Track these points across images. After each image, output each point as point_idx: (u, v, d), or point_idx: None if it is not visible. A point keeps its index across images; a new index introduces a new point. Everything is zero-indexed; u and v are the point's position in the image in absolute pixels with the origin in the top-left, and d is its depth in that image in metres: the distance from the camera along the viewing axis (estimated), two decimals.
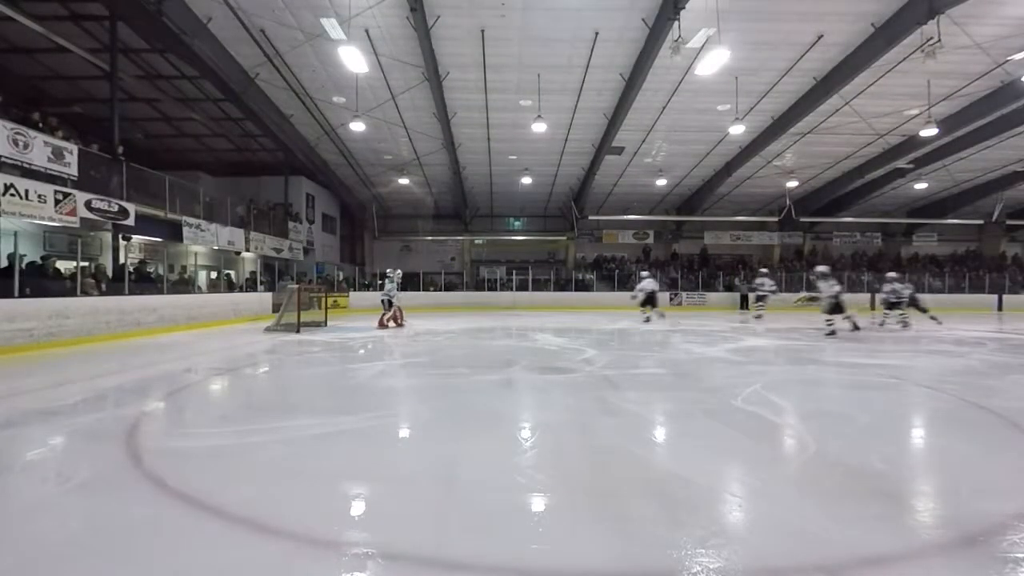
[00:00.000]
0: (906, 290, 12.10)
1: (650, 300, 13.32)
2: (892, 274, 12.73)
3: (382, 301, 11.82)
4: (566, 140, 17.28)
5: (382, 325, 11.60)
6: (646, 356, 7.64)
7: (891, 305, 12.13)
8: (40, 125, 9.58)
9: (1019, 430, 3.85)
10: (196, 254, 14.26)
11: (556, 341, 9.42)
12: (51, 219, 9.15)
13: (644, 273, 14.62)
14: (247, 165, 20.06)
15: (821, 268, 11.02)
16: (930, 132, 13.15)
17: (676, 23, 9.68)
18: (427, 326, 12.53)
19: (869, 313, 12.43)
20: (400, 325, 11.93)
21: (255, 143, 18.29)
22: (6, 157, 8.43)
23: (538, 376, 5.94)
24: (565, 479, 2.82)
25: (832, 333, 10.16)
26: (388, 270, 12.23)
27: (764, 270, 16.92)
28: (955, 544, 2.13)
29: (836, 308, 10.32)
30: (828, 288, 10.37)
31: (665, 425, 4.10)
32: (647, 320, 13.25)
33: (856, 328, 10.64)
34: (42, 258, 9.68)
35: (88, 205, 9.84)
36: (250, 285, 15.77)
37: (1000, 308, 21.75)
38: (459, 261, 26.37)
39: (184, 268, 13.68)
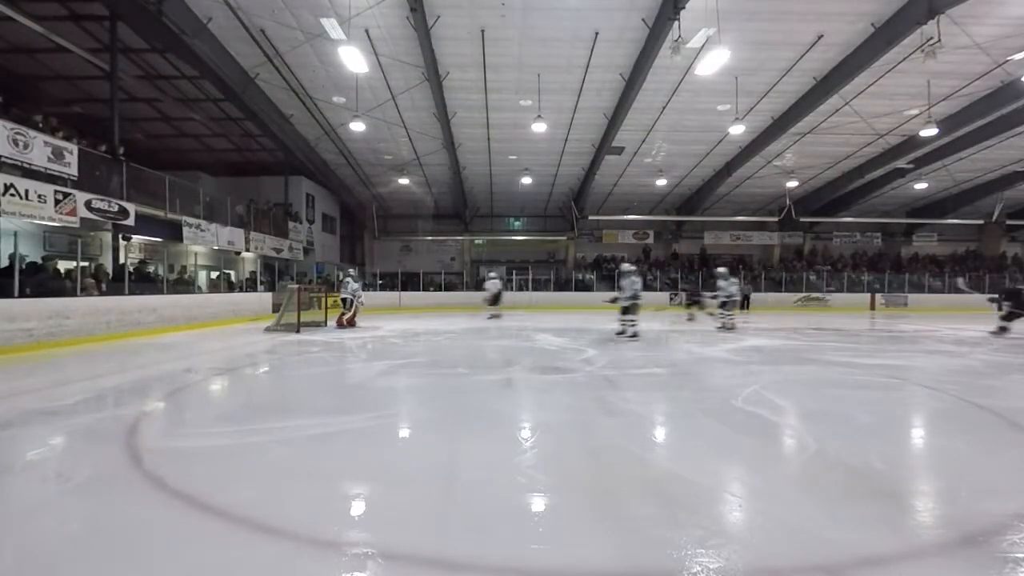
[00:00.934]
0: (732, 287, 11.60)
1: (495, 300, 14.76)
2: (721, 270, 11.97)
3: (343, 300, 12.01)
4: (566, 140, 17.27)
5: (341, 324, 11.76)
6: (646, 356, 7.64)
7: (724, 304, 11.55)
8: (40, 125, 9.58)
9: (1019, 430, 3.85)
10: (196, 254, 14.25)
11: (556, 341, 9.41)
12: (51, 219, 9.15)
13: (492, 274, 15.51)
14: (247, 165, 20.05)
15: (626, 266, 10.41)
16: (930, 132, 13.15)
17: (676, 23, 9.68)
18: (427, 326, 12.53)
19: (716, 312, 11.76)
20: (353, 325, 12.01)
21: (255, 143, 18.28)
22: (6, 157, 8.43)
23: (538, 376, 5.94)
24: (565, 479, 2.81)
25: (622, 332, 9.59)
26: (351, 270, 12.91)
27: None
28: (955, 544, 2.13)
29: (633, 309, 9.67)
30: (630, 287, 9.66)
31: (665, 425, 4.10)
32: (491, 317, 14.54)
33: (628, 335, 9.63)
34: (42, 258, 9.70)
35: (88, 205, 9.84)
36: (250, 285, 15.76)
37: (1000, 308, 21.70)
38: (459, 261, 26.35)
39: (184, 268, 13.67)
